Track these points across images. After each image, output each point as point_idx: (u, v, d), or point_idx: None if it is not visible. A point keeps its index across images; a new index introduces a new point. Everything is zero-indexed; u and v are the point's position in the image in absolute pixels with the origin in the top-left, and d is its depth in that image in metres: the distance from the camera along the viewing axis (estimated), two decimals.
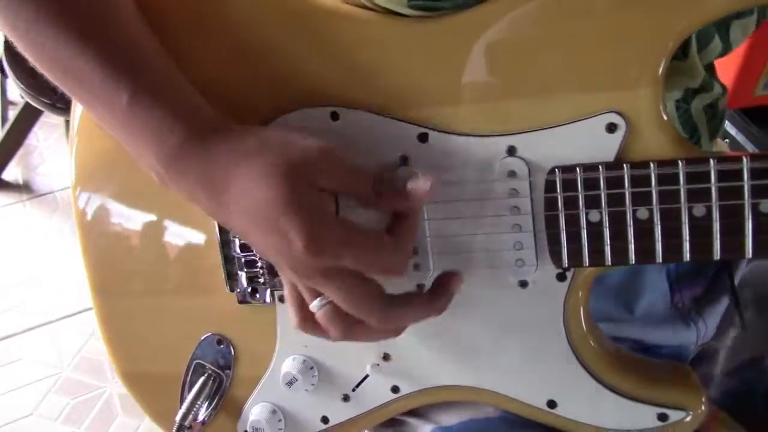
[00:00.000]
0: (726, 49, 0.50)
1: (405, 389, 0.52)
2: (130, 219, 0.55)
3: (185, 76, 0.44)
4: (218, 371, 0.57)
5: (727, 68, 1.21)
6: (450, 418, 0.54)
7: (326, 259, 0.40)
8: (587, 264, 0.45)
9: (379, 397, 0.53)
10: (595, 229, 0.44)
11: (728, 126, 1.27)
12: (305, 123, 0.48)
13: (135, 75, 0.42)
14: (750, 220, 0.41)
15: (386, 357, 0.52)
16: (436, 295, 0.46)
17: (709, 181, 0.41)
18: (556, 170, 0.44)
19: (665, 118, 0.43)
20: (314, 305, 0.44)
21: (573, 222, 0.44)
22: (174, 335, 0.57)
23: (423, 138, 0.46)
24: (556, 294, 0.47)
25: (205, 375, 0.57)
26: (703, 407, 0.47)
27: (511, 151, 0.45)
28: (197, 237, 0.54)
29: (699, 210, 0.42)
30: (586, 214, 0.44)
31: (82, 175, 0.56)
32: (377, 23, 0.46)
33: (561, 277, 0.47)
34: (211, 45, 0.49)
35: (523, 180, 0.45)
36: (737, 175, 0.40)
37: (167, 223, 0.54)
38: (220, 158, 0.41)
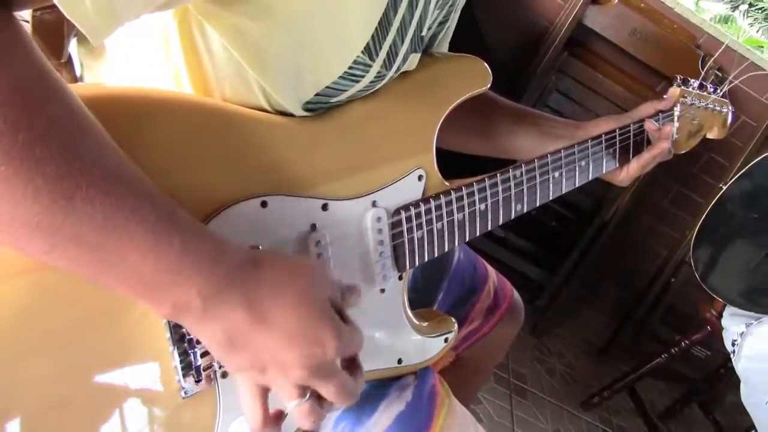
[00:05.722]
0: None
1: None
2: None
3: None
4: None
5: None
6: None
7: (344, 354, 0.50)
8: (417, 264, 0.71)
9: None
10: (420, 242, 0.70)
11: None
12: (243, 213, 0.55)
13: (175, 219, 0.44)
14: (477, 220, 0.75)
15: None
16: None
17: (463, 200, 0.73)
18: (401, 210, 0.67)
19: (436, 166, 0.72)
20: (297, 402, 0.49)
21: (411, 241, 0.69)
22: None
23: (325, 207, 0.61)
24: (399, 289, 0.71)
25: None
26: (456, 325, 0.81)
27: (374, 203, 0.65)
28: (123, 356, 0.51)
29: (459, 217, 0.73)
30: (417, 233, 0.69)
31: None
32: (282, 126, 0.57)
33: (400, 278, 0.71)
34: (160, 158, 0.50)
35: (384, 222, 0.66)
36: (472, 195, 0.73)
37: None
38: (265, 284, 0.47)
